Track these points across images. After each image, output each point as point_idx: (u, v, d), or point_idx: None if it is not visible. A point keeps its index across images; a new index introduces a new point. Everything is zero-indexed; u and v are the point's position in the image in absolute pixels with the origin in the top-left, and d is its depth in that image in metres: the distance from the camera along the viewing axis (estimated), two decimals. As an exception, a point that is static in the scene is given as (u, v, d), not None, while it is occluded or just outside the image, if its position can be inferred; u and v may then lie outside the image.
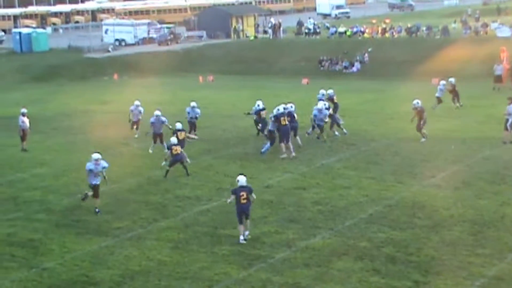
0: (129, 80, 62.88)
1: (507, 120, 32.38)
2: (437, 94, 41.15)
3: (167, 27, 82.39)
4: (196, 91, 56.10)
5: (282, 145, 30.75)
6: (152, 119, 33.04)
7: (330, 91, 37.07)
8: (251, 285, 18.07)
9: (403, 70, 58.90)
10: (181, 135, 30.37)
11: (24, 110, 34.58)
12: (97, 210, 24.35)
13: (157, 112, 33.23)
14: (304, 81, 58.22)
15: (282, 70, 64.94)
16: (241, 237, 21.19)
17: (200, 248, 20.72)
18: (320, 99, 35.56)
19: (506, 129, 32.46)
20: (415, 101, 32.98)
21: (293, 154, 30.57)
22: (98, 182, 24.67)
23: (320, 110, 33.14)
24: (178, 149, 28.44)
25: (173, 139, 28.95)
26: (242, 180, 21.60)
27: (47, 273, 19.33)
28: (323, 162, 30.34)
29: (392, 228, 21.84)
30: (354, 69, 63.21)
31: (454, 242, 20.51)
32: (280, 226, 22.22)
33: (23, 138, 34.12)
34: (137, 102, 36.70)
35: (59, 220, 23.80)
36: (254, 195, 21.59)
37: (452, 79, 41.65)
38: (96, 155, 24.77)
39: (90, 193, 24.71)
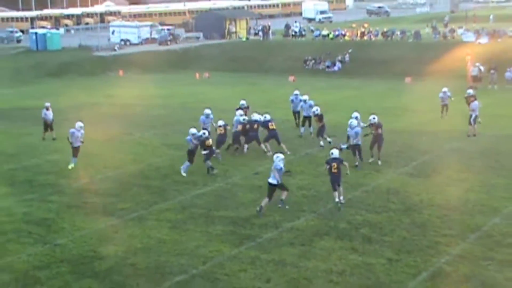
0: (133, 76, 62.62)
1: (471, 115, 32.50)
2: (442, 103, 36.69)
3: (168, 29, 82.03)
4: (193, 86, 56.09)
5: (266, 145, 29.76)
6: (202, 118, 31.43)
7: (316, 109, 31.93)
8: (241, 261, 18.05)
9: (380, 69, 58.90)
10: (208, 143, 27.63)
11: (47, 104, 34.36)
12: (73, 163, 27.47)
13: (207, 111, 31.73)
14: (291, 78, 58.07)
15: (271, 68, 64.78)
16: (336, 199, 22.33)
17: (196, 228, 20.69)
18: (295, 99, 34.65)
19: (470, 123, 32.58)
20: (371, 117, 28.43)
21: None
22: (79, 145, 27.47)
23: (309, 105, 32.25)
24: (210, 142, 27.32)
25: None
26: (335, 152, 22.75)
27: (59, 249, 19.29)
28: (307, 151, 30.33)
29: (368, 211, 21.89)
30: (336, 68, 63.09)
31: (423, 224, 20.56)
32: (268, 208, 22.14)
33: (45, 129, 33.95)
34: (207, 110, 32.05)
35: (70, 201, 23.71)
36: (346, 163, 22.74)
37: (445, 89, 36.74)
38: (80, 123, 27.60)
39: None
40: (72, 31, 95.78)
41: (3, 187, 25.82)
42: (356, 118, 28.43)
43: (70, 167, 27.52)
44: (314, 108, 31.42)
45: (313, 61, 64.86)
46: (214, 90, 52.67)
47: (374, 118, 28.28)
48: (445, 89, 36.82)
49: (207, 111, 31.63)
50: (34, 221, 21.74)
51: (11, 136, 35.66)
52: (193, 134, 26.79)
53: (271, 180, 21.89)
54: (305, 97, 33.90)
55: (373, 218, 21.21)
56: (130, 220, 21.56)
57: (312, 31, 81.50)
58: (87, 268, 17.96)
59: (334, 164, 22.33)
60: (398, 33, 72.95)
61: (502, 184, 24.51)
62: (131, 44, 78.69)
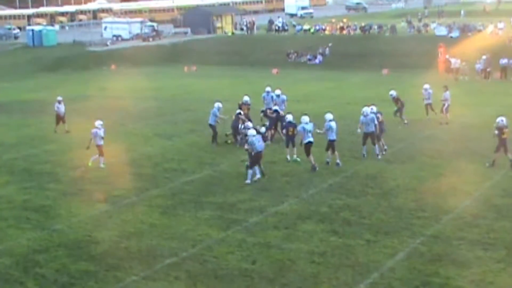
0: (125, 69, 62.33)
1: (444, 104, 32.59)
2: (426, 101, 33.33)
3: (150, 25, 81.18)
4: (182, 79, 55.96)
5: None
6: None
7: (393, 92, 32.69)
8: (229, 244, 18.06)
9: (358, 62, 58.88)
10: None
11: (60, 98, 33.71)
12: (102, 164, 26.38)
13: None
14: (274, 71, 58.04)
15: (256, 61, 64.62)
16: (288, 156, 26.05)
17: (185, 213, 20.68)
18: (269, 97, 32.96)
19: (442, 112, 32.69)
20: (327, 115, 26.02)
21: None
22: (102, 143, 26.37)
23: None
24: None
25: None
26: (289, 117, 26.61)
27: (56, 233, 19.25)
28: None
29: (348, 196, 21.94)
30: (317, 61, 63.05)
31: (399, 207, 20.64)
32: (254, 194, 22.20)
33: (57, 122, 33.38)
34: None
35: (66, 189, 23.63)
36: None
37: (393, 92, 33.40)
38: (99, 122, 26.73)
39: None
40: (67, 28, 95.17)
41: (3, 176, 25.70)
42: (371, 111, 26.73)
43: (102, 165, 26.25)
44: (290, 117, 27.49)
45: (295, 54, 64.77)
46: (202, 82, 52.62)
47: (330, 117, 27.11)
48: (426, 85, 33.46)
49: (219, 104, 30.25)
50: (33, 207, 21.66)
51: (11, 127, 35.47)
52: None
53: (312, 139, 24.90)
54: (278, 91, 33.06)
55: (352, 202, 21.27)
56: (123, 206, 21.51)
57: (294, 26, 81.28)
58: (83, 251, 17.92)
59: (291, 128, 25.88)
60: (375, 27, 72.94)
61: (472, 169, 24.61)
62: (122, 39, 78.26)
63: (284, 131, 27.08)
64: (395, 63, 55.81)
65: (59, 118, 33.34)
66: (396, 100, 33.08)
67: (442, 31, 65.66)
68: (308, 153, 25.08)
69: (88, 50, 71.01)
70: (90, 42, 74.09)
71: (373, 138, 26.47)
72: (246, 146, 24.38)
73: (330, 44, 64.53)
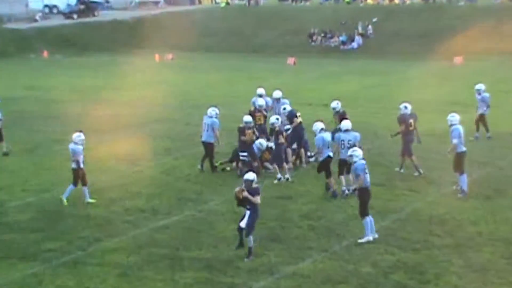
0: (64, 59, 62.65)
1: None
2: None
3: None
4: (152, 72, 56.17)
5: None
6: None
7: (481, 87, 33.96)
8: (222, 323, 18.04)
9: (417, 46, 59.16)
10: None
11: None
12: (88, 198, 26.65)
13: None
14: (290, 60, 58.40)
15: (262, 46, 65.16)
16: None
17: (156, 275, 20.56)
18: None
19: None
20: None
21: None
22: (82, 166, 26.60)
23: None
24: None
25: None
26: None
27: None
28: (314, 162, 30.12)
29: (402, 249, 21.74)
30: (355, 44, 63.53)
31: (483, 267, 20.48)
32: (259, 246, 22.08)
33: None
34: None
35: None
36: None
37: (481, 86, 34.02)
38: (79, 135, 26.57)
39: None
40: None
41: None
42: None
43: (89, 201, 26.63)
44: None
45: (322, 35, 65.14)
46: (181, 78, 52.77)
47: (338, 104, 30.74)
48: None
49: (215, 110, 30.42)
50: None
51: None
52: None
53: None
54: (277, 93, 33.03)
55: (409, 259, 21.12)
56: (60, 266, 21.38)
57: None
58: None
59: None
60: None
61: None
62: (59, 12, 78.47)
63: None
64: (474, 48, 55.93)
65: None
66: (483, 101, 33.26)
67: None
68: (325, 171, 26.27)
69: (6, 28, 71.31)
70: (9, 16, 74.37)
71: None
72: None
73: (374, 20, 64.94)
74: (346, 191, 26.22)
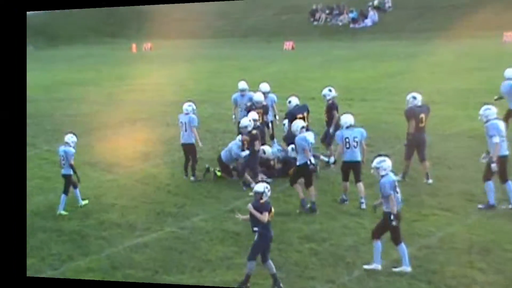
0: (35, 51, 62.64)
1: None
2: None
3: None
4: (128, 65, 56.13)
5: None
6: None
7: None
8: None
9: (450, 20, 57.71)
10: None
11: None
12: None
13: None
14: (288, 44, 58.07)
15: (254, 29, 64.86)
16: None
17: (132, 303, 20.74)
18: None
19: None
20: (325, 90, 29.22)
21: None
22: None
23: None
24: None
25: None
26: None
27: None
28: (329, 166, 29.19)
29: (432, 285, 19.99)
30: (368, 21, 62.31)
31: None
32: (257, 273, 21.04)
33: None
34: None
35: None
36: None
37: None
38: (71, 136, 27.36)
39: None
40: None
41: None
42: None
43: (61, 213, 27.07)
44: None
45: (327, 12, 64.29)
46: (162, 70, 52.71)
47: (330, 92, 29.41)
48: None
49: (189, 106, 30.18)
50: None
51: None
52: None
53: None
54: (265, 86, 32.43)
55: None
56: None
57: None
58: None
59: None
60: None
61: None
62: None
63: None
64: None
65: None
66: None
67: None
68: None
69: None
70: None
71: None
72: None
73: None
74: (363, 204, 25.30)
